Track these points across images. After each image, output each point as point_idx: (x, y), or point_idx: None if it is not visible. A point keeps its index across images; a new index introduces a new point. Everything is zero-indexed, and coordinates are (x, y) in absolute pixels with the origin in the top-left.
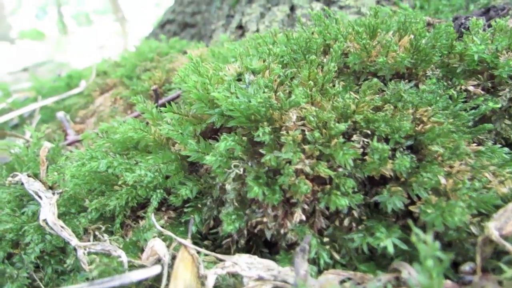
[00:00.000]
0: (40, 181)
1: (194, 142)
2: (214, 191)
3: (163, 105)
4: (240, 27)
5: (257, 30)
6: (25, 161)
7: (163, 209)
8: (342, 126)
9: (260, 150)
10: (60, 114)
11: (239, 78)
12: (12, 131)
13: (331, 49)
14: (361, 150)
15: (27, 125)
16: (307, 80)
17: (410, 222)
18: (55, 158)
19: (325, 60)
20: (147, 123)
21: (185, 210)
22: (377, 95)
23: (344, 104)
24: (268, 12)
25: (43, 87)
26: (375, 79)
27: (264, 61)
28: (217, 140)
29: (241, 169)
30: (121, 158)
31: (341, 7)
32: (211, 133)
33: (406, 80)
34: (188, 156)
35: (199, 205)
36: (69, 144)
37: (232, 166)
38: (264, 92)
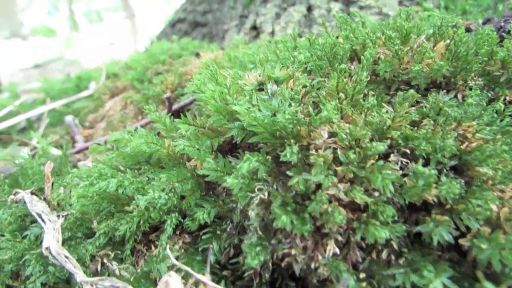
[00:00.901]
0: (45, 199)
1: (212, 160)
2: (235, 215)
3: (176, 111)
4: (254, 27)
5: (272, 32)
6: (30, 175)
7: (178, 232)
8: (381, 147)
9: (287, 172)
10: (69, 118)
11: (260, 87)
12: (19, 135)
13: (361, 56)
14: (400, 172)
15: (34, 130)
16: (335, 90)
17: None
18: (62, 168)
19: (352, 67)
20: (159, 133)
21: (203, 236)
22: (413, 107)
23: (380, 120)
24: (284, 13)
25: (52, 88)
26: (412, 91)
27: (287, 68)
28: (237, 157)
29: (266, 193)
30: (131, 174)
31: (361, 8)
32: (229, 146)
33: (445, 91)
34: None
35: (218, 231)
36: (77, 152)
37: (255, 189)
38: (290, 105)
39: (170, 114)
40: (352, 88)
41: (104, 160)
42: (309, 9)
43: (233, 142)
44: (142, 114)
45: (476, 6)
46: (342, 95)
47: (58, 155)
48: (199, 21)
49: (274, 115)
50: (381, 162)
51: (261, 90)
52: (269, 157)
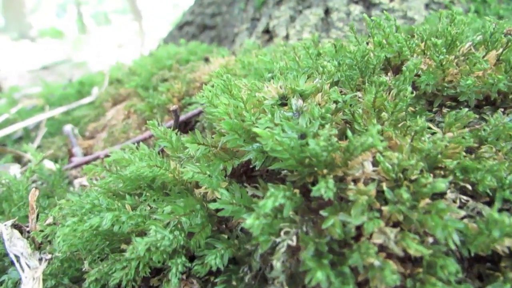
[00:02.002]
0: (28, 232)
1: (226, 192)
2: (254, 261)
3: (184, 122)
4: (267, 31)
5: (287, 36)
6: (15, 199)
7: (184, 276)
8: (442, 185)
9: (321, 212)
10: (68, 128)
11: (282, 102)
12: (15, 146)
13: (403, 67)
14: (463, 213)
15: (32, 140)
16: (371, 107)
17: None
18: (55, 189)
19: (388, 79)
20: (163, 150)
21: (215, 287)
22: (466, 129)
23: (434, 145)
24: (299, 16)
25: (53, 94)
26: (466, 110)
27: (313, 80)
28: (255, 184)
29: (294, 238)
30: (131, 200)
31: (383, 11)
32: (245, 168)
33: (501, 109)
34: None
35: (233, 282)
36: (74, 167)
37: (281, 232)
38: (321, 125)
39: (176, 130)
40: (392, 105)
41: (101, 184)
42: (327, 12)
43: (251, 167)
44: (146, 124)
45: (510, 10)
46: (384, 114)
47: (52, 171)
48: (207, 24)
49: (302, 137)
50: (441, 204)
51: (283, 105)
52: (297, 190)
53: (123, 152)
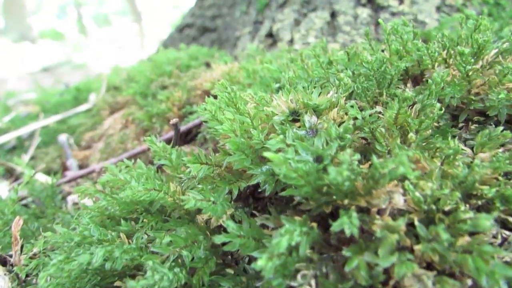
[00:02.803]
0: (12, 266)
1: (233, 224)
2: None
3: (185, 133)
4: (270, 35)
5: (291, 40)
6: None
7: None
8: (486, 222)
9: (344, 253)
10: (62, 138)
11: (293, 117)
12: (7, 156)
13: (428, 80)
14: (509, 256)
15: (25, 150)
16: (393, 124)
17: None
18: (46, 209)
19: (408, 90)
20: (161, 167)
21: None
22: (501, 149)
23: (470, 172)
24: (304, 19)
25: (48, 101)
26: (500, 128)
27: (327, 93)
28: (262, 202)
29: (312, 282)
30: (127, 227)
31: (393, 14)
32: (251, 189)
33: None
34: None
35: None
36: (69, 181)
37: (298, 276)
38: (340, 147)
39: (176, 146)
40: (417, 123)
41: (93, 208)
42: (333, 15)
43: (260, 190)
44: (144, 135)
45: None
46: (412, 135)
47: (45, 187)
48: (208, 27)
49: (318, 160)
50: (487, 247)
51: (294, 121)
52: (314, 224)
53: (118, 170)
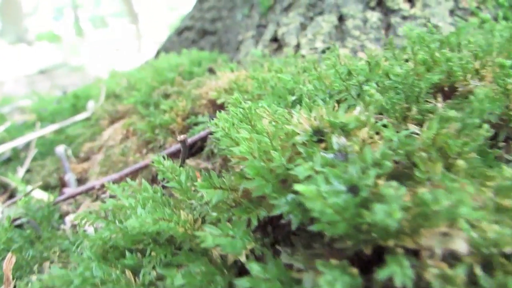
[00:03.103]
0: None
1: (257, 266)
2: None
3: (190, 146)
4: (275, 39)
5: (298, 45)
6: None
7: None
8: None
9: None
10: (60, 150)
11: (318, 138)
12: (2, 167)
13: (471, 96)
14: None
15: (21, 161)
16: (431, 146)
17: None
18: (44, 228)
19: (439, 105)
20: (165, 186)
21: None
22: None
23: None
24: (310, 23)
25: (45, 108)
26: None
27: (353, 109)
28: (283, 231)
29: None
30: (132, 259)
31: (404, 18)
32: (270, 217)
33: None
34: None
35: None
36: (67, 199)
37: None
38: (378, 175)
39: (184, 165)
40: (459, 145)
41: (95, 238)
42: (341, 19)
43: (283, 222)
44: (146, 147)
45: None
46: (461, 163)
47: (40, 206)
48: (207, 29)
49: (353, 191)
50: None
51: (319, 141)
52: (355, 271)
53: (120, 190)
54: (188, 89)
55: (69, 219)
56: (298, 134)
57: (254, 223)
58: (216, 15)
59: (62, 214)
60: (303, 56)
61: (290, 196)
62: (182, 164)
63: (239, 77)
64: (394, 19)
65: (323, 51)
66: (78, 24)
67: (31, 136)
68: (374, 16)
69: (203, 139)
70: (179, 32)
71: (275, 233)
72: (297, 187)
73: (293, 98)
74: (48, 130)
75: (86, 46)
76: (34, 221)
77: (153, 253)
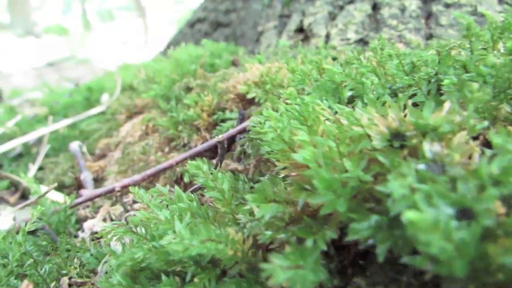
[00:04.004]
0: None
1: None
2: None
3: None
4: (300, 30)
5: (327, 35)
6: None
7: None
8: None
9: None
10: (75, 146)
11: (400, 143)
12: (13, 165)
13: None
14: None
15: (32, 157)
16: None
17: None
18: (60, 238)
19: None
20: (197, 189)
21: None
22: None
23: None
24: (340, 12)
25: (57, 101)
26: None
27: (442, 109)
28: (349, 254)
29: None
30: (170, 284)
31: (447, 5)
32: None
33: None
34: None
35: None
36: (84, 202)
37: None
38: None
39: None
40: None
41: (124, 260)
42: (375, 7)
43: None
44: (169, 145)
45: None
46: None
47: (56, 210)
48: (221, 21)
49: (465, 215)
50: None
51: (401, 147)
52: None
53: (147, 197)
54: (213, 82)
55: (88, 225)
56: (369, 137)
57: (322, 247)
58: (230, 6)
59: (79, 218)
60: (334, 48)
61: (374, 218)
62: (217, 167)
63: (271, 69)
64: (436, 7)
65: (356, 42)
66: (86, 17)
67: (43, 131)
68: (413, 4)
69: (232, 138)
70: (191, 24)
71: (340, 257)
72: (409, 214)
73: (349, 93)
74: (61, 124)
75: (93, 39)
76: (49, 228)
77: (195, 279)
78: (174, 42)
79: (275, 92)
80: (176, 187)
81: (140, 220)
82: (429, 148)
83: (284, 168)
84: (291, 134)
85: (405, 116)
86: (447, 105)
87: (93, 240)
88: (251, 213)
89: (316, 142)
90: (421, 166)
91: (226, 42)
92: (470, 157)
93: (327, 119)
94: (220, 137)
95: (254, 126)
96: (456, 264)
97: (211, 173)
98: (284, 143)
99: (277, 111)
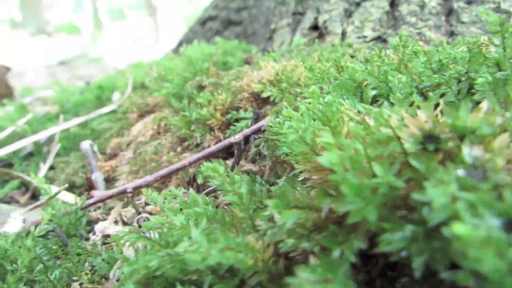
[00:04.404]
0: None
1: None
2: None
3: (228, 146)
4: (315, 27)
5: (343, 33)
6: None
7: None
8: None
9: None
10: (86, 146)
11: (435, 146)
12: (23, 164)
13: None
14: None
15: (43, 156)
16: None
17: None
18: (71, 241)
19: None
20: (212, 191)
21: None
22: None
23: None
24: (356, 9)
25: (68, 99)
26: None
27: (481, 110)
28: (377, 265)
29: None
30: None
31: (469, 2)
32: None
33: None
34: None
35: None
36: (95, 203)
37: None
38: None
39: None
40: None
41: (138, 268)
42: (393, 3)
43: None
44: (181, 144)
45: None
46: None
47: (67, 211)
48: (232, 19)
49: None
50: None
51: (436, 151)
52: None
53: (161, 199)
54: (227, 80)
55: (99, 228)
56: (399, 140)
57: (351, 258)
58: (241, 4)
59: (90, 220)
60: (350, 46)
61: (409, 229)
62: (233, 169)
63: (286, 68)
64: (457, 4)
65: (373, 40)
66: (97, 15)
67: (54, 129)
68: (432, 0)
69: (247, 138)
70: (202, 22)
71: (367, 267)
72: (458, 228)
73: (374, 92)
74: (72, 123)
75: (104, 38)
76: (60, 230)
77: None
78: (185, 40)
79: (291, 91)
80: (191, 189)
81: (154, 227)
82: (469, 152)
83: (304, 171)
84: (314, 135)
85: (437, 117)
86: (485, 105)
87: (104, 243)
88: (271, 219)
89: (342, 145)
90: (461, 172)
91: (237, 40)
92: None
93: (352, 119)
94: (237, 137)
95: (272, 126)
96: (508, 284)
97: (228, 176)
98: (306, 145)
99: (297, 110)
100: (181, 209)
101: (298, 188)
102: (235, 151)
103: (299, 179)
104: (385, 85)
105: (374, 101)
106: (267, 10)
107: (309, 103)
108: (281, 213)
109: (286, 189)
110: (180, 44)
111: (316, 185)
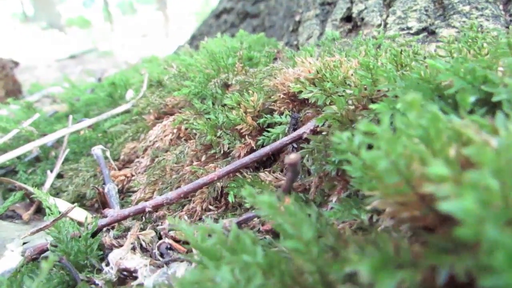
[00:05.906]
0: None
1: None
2: None
3: (265, 155)
4: (348, 18)
5: (383, 24)
6: None
7: None
8: None
9: None
10: (97, 152)
11: None
12: (29, 168)
13: None
14: None
15: (50, 161)
16: None
17: None
18: (80, 286)
19: None
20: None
21: None
22: None
23: None
24: None
25: (78, 98)
26: None
27: None
28: None
29: None
30: None
31: None
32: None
33: None
34: None
35: None
36: (109, 224)
37: None
38: None
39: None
40: None
41: None
42: None
43: None
44: (206, 154)
45: None
46: None
47: (75, 234)
48: (249, 12)
49: None
50: None
51: None
52: None
53: (191, 231)
54: (259, 78)
55: (114, 257)
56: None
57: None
58: None
59: (101, 244)
60: (392, 39)
61: None
62: (286, 193)
63: (328, 64)
64: None
65: (418, 32)
66: (107, 9)
67: (62, 132)
68: None
69: (280, 148)
70: (217, 14)
71: None
72: None
73: (473, 98)
74: (82, 125)
75: (114, 32)
76: (67, 261)
77: None
78: (199, 34)
79: (339, 92)
80: (234, 225)
81: (190, 284)
82: None
83: (380, 201)
84: (409, 161)
85: None
86: None
87: (120, 279)
88: (352, 276)
89: (471, 181)
90: None
91: (255, 34)
92: None
93: (471, 140)
94: (292, 157)
95: (340, 143)
96: None
97: (288, 212)
98: (399, 175)
99: (378, 124)
100: (220, 251)
101: (362, 217)
102: (289, 174)
103: (367, 207)
104: (476, 88)
105: (477, 111)
106: (287, 1)
107: (404, 115)
108: (378, 275)
109: (380, 239)
110: (193, 37)
111: (428, 236)
